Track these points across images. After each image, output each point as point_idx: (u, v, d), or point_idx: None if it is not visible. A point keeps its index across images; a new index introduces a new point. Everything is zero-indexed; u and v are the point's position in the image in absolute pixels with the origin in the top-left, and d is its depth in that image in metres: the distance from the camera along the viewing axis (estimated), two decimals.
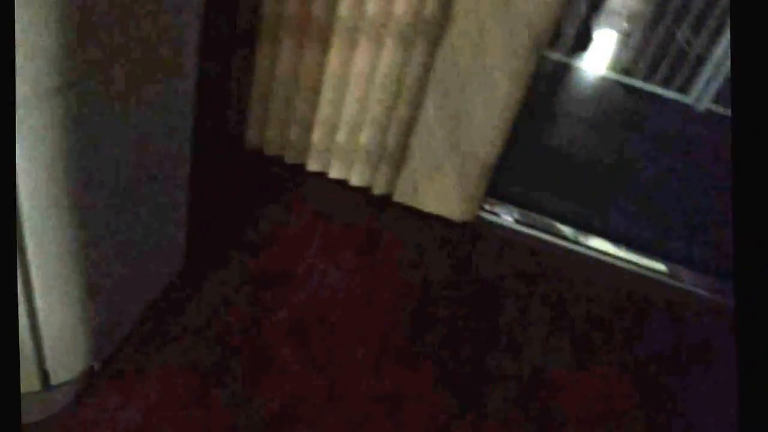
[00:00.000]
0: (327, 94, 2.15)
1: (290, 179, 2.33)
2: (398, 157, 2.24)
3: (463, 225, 2.34)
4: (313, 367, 1.69)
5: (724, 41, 3.72)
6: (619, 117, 3.77)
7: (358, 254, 2.10)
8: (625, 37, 4.51)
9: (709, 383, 2.01)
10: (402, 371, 1.75)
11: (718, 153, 3.49)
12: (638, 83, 4.00)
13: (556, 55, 4.02)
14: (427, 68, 2.02)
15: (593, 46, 4.20)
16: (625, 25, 4.62)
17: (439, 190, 2.27)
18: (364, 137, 2.22)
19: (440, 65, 2.01)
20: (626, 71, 4.09)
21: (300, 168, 2.36)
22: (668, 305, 2.29)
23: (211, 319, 1.72)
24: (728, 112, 3.81)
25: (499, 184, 2.45)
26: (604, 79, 4.06)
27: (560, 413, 1.76)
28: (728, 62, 3.70)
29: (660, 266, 2.43)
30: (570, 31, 4.11)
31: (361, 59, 2.04)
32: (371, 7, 1.92)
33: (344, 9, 1.95)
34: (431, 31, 1.95)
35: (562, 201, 2.70)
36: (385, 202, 2.35)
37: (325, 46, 2.05)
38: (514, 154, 2.79)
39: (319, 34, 2.03)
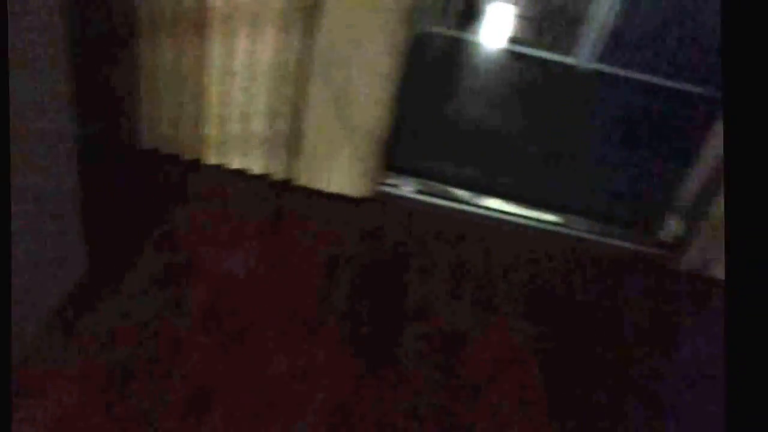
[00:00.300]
0: (214, 86, 2.18)
1: (189, 175, 2.35)
2: (293, 142, 2.29)
3: (365, 200, 2.41)
4: (225, 350, 1.73)
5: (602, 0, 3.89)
6: (510, 85, 3.91)
7: (262, 239, 2.15)
8: (514, 6, 4.66)
9: (606, 325, 2.16)
10: (312, 343, 1.81)
11: (605, 108, 3.69)
12: (527, 50, 4.15)
13: (450, 31, 4.13)
14: (308, 51, 2.08)
15: (486, 19, 4.33)
16: None
17: (337, 169, 2.33)
18: (257, 125, 2.26)
19: (320, 47, 2.07)
20: (517, 40, 4.24)
21: (198, 163, 2.38)
22: (564, 253, 2.43)
23: (122, 316, 1.74)
24: (614, 69, 4.01)
25: (398, 157, 2.53)
26: (496, 49, 4.19)
27: (467, 365, 1.86)
28: (608, 20, 3.89)
29: (554, 218, 2.57)
30: (459, 6, 4.23)
31: (242, 48, 2.08)
32: None
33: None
34: (307, 15, 2.01)
35: (459, 168, 2.81)
36: (286, 186, 2.40)
37: (204, 38, 2.08)
38: (410, 128, 2.89)
39: (196, 26, 2.05)
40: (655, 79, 3.87)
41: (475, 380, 1.82)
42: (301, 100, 2.19)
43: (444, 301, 2.08)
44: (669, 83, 3.83)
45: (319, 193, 2.39)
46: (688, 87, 3.77)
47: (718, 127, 2.37)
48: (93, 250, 1.79)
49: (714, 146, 2.38)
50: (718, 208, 2.29)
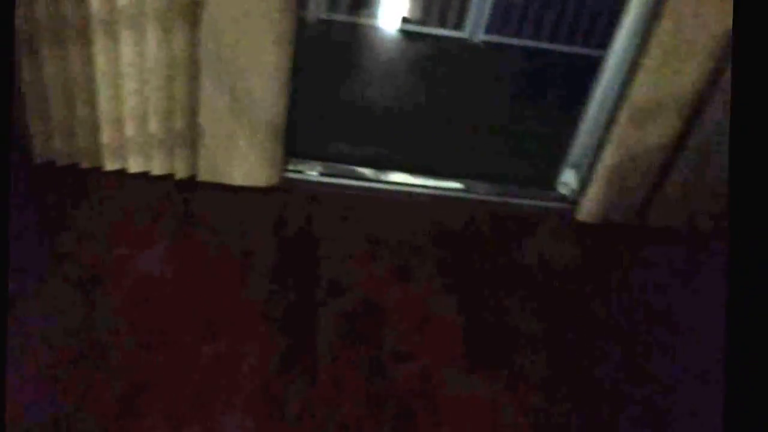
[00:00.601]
0: (103, 91, 2.16)
1: (90, 183, 2.33)
2: (191, 138, 2.31)
3: (271, 189, 2.45)
4: (149, 349, 1.75)
5: None
6: (404, 62, 4.01)
7: (173, 238, 2.16)
8: None
9: (516, 278, 2.28)
10: (233, 332, 1.85)
11: (495, 76, 3.84)
12: (419, 29, 4.26)
13: (343, 17, 4.18)
14: (195, 47, 2.10)
15: (377, 3, 4.39)
16: None
17: (239, 160, 2.36)
18: (153, 126, 2.26)
19: (206, 42, 2.09)
20: (409, 20, 4.33)
21: (98, 170, 2.36)
22: (469, 217, 2.54)
23: (42, 330, 1.73)
24: (500, 39, 4.16)
25: (300, 143, 2.58)
26: (389, 31, 4.27)
27: (386, 329, 1.94)
28: None
29: (457, 184, 2.68)
30: None
31: (127, 50, 2.08)
32: None
33: (95, 4, 1.97)
34: (189, 11, 2.03)
35: (361, 147, 2.88)
36: (191, 184, 2.41)
37: (87, 44, 2.06)
38: (310, 114, 2.93)
39: (78, 34, 2.04)
40: (539, 44, 4.06)
41: (399, 347, 1.90)
42: (194, 96, 2.21)
43: (358, 275, 2.15)
44: (551, 46, 4.02)
45: (225, 187, 2.41)
46: (568, 48, 3.96)
47: (601, 82, 2.51)
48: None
49: (596, 100, 2.52)
50: (608, 158, 2.44)
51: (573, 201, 2.64)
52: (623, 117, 2.33)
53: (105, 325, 1.79)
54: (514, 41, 4.12)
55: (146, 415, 1.57)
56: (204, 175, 2.40)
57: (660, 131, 2.35)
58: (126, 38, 2.05)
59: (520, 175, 2.83)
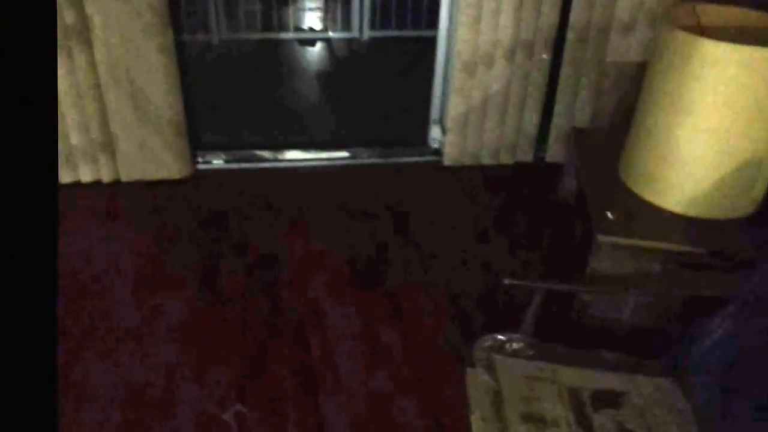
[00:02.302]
0: None
1: None
2: (108, 145, 2.76)
3: (184, 179, 2.91)
4: (81, 307, 2.20)
5: None
6: (302, 64, 4.53)
7: (103, 226, 2.61)
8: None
9: (401, 220, 2.77)
10: (154, 291, 2.31)
11: (379, 64, 4.39)
12: (314, 35, 4.79)
13: (249, 33, 4.68)
14: (93, 66, 2.56)
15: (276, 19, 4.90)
16: None
17: (152, 158, 2.82)
18: (74, 139, 2.71)
19: (102, 58, 2.55)
20: (301, 29, 4.86)
21: None
22: (356, 178, 3.04)
23: None
24: (385, 33, 4.72)
25: (207, 138, 3.06)
26: (286, 39, 4.78)
27: (283, 274, 2.41)
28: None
29: (344, 153, 3.17)
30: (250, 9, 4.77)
31: None
32: None
33: None
34: (82, 36, 2.49)
35: (257, 134, 3.37)
36: (117, 186, 2.86)
37: None
38: (210, 112, 3.41)
39: None
40: (405, 33, 4.71)
41: (293, 282, 2.38)
42: (103, 108, 2.66)
43: (260, 235, 2.62)
44: (414, 33, 4.67)
45: (145, 184, 2.86)
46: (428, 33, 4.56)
47: (439, 49, 3.02)
48: None
49: (439, 62, 3.04)
50: (451, 109, 2.95)
51: (440, 152, 3.14)
52: (456, 69, 2.84)
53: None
54: (389, 33, 4.76)
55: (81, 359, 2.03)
56: (126, 176, 2.84)
57: (489, 78, 2.87)
58: None
59: (396, 139, 3.32)
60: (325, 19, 4.95)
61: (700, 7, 1.95)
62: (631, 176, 2.04)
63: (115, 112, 2.68)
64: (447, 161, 3.08)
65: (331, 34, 4.82)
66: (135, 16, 2.49)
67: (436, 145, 3.20)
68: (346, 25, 4.80)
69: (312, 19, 4.95)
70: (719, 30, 1.90)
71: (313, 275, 2.41)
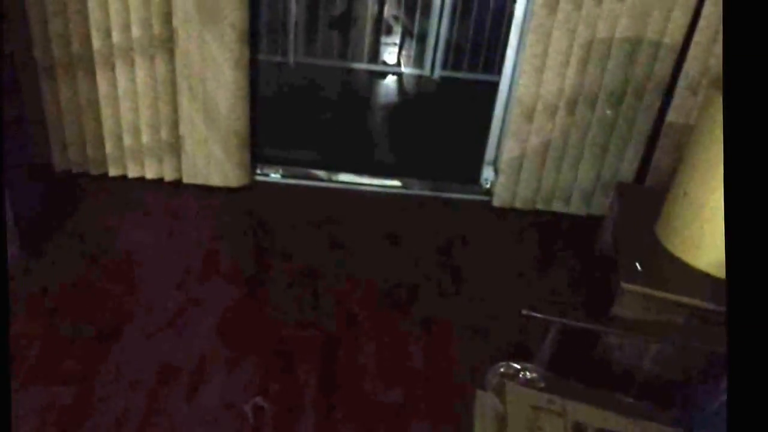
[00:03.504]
0: (106, 111, 2.82)
1: (99, 186, 2.96)
2: (175, 147, 2.94)
3: (242, 188, 3.06)
4: (135, 293, 2.35)
5: (434, 20, 4.73)
6: (367, 95, 4.71)
7: (169, 227, 2.78)
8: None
9: (451, 255, 2.84)
10: (203, 283, 2.44)
11: (445, 102, 4.51)
12: (388, 68, 4.96)
13: (322, 60, 4.89)
14: (173, 73, 2.75)
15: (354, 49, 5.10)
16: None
17: (214, 165, 2.98)
18: (145, 138, 2.90)
19: (180, 68, 2.74)
20: (384, 63, 5.05)
21: (104, 176, 3.00)
22: (405, 208, 3.14)
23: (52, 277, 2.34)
24: (455, 74, 4.85)
25: (266, 151, 3.21)
26: (361, 70, 4.97)
27: (324, 291, 2.51)
28: (445, 36, 4.73)
29: (395, 182, 3.28)
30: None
31: (122, 78, 2.74)
32: (116, 36, 2.64)
33: (97, 41, 2.65)
34: (165, 45, 2.69)
35: (315, 154, 3.51)
36: (177, 186, 3.03)
37: (92, 73, 2.73)
38: (274, 127, 3.57)
39: (85, 65, 2.71)
40: (477, 76, 4.80)
41: (331, 296, 2.48)
42: (175, 112, 2.85)
43: (306, 248, 2.73)
44: (482, 76, 4.77)
45: (206, 188, 3.02)
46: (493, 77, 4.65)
47: (500, 94, 3.11)
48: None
49: (499, 105, 3.13)
50: (506, 152, 3.02)
51: (491, 192, 3.22)
52: (514, 114, 2.93)
53: (97, 273, 2.41)
54: (462, 75, 4.86)
55: (125, 342, 2.16)
56: (188, 178, 3.01)
57: (547, 125, 2.94)
58: (120, 68, 2.72)
59: (450, 174, 3.40)
60: (399, 55, 5.12)
61: None
62: (667, 233, 2.07)
63: (185, 117, 2.85)
64: (496, 202, 3.15)
65: (403, 69, 4.98)
66: (217, 32, 2.67)
67: (487, 185, 3.27)
68: (419, 63, 4.96)
69: (387, 53, 5.13)
70: None
71: (352, 293, 2.49)
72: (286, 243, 2.75)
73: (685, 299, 1.81)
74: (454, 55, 4.87)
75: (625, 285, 1.88)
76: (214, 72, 2.76)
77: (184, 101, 2.82)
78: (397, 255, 2.76)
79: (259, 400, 1.92)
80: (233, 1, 2.63)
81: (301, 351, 2.18)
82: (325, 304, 2.41)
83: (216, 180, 3.02)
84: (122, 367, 2.04)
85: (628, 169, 3.03)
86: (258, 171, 3.17)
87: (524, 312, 1.64)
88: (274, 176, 3.19)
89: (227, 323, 2.26)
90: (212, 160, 2.97)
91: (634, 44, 2.76)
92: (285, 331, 2.26)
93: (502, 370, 1.68)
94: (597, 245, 2.72)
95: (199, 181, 3.02)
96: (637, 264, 1.96)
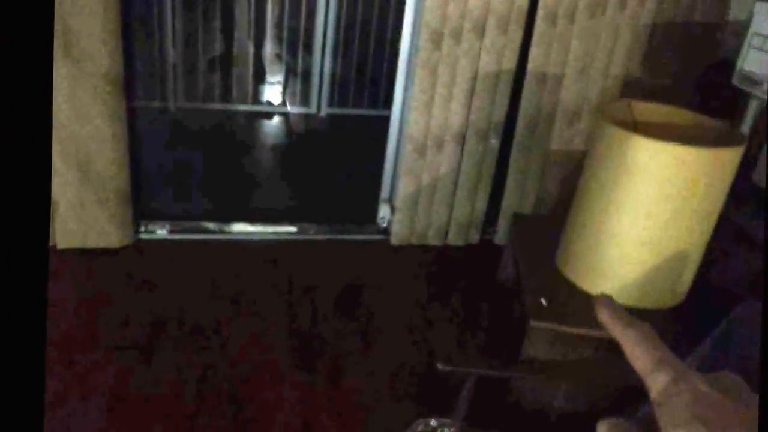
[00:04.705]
0: None
1: None
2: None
3: (125, 248, 2.85)
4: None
5: (317, 57, 4.68)
6: (254, 137, 4.57)
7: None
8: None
9: (349, 301, 2.74)
10: (92, 359, 2.23)
11: (334, 140, 4.45)
12: (273, 108, 4.85)
13: (209, 104, 4.71)
14: None
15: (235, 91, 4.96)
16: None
17: (92, 226, 2.76)
18: None
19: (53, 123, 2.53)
20: (263, 102, 4.92)
21: None
22: (302, 254, 3.02)
23: None
24: (342, 110, 4.81)
25: (150, 206, 3.02)
26: (243, 111, 4.83)
27: (222, 353, 2.36)
28: (329, 73, 4.68)
29: (291, 228, 3.16)
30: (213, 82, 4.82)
31: None
32: None
33: None
34: None
35: (205, 204, 3.34)
36: (52, 252, 2.79)
37: None
38: (159, 180, 3.38)
39: None
40: (365, 111, 4.78)
41: (229, 358, 2.32)
42: None
43: (197, 308, 2.56)
44: (370, 111, 4.76)
45: (84, 251, 2.78)
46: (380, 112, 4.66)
47: (392, 128, 3.08)
48: None
49: (391, 140, 3.09)
50: (403, 190, 2.98)
51: (388, 231, 3.16)
52: (407, 150, 2.89)
53: None
54: (349, 111, 4.83)
55: None
56: (62, 243, 2.78)
57: (439, 160, 2.92)
58: None
59: (345, 216, 3.33)
60: (284, 94, 5.03)
61: (635, 104, 2.03)
62: (567, 264, 2.06)
63: (57, 179, 2.63)
64: (394, 240, 3.09)
65: (289, 108, 4.89)
66: (87, 82, 2.49)
67: (384, 224, 3.21)
68: (305, 101, 4.88)
69: (271, 93, 5.02)
70: (652, 125, 1.97)
71: (251, 353, 2.35)
72: (177, 304, 2.57)
73: (593, 332, 1.79)
74: (340, 92, 4.85)
75: (534, 323, 1.85)
76: (87, 126, 2.57)
77: (57, 159, 2.60)
78: (298, 306, 2.64)
79: None
80: (103, 49, 2.46)
81: (203, 419, 2.02)
82: (223, 367, 2.26)
83: (95, 242, 2.80)
84: None
85: (521, 198, 3.06)
86: (142, 228, 2.97)
87: (440, 366, 1.57)
88: (161, 232, 3.00)
89: (118, 399, 2.07)
90: (90, 221, 2.76)
91: (518, 77, 2.81)
92: (181, 402, 2.08)
93: (420, 428, 1.59)
94: (498, 275, 2.70)
95: (76, 245, 2.79)
96: (543, 299, 1.93)
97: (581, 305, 1.95)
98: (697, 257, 1.89)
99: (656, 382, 0.44)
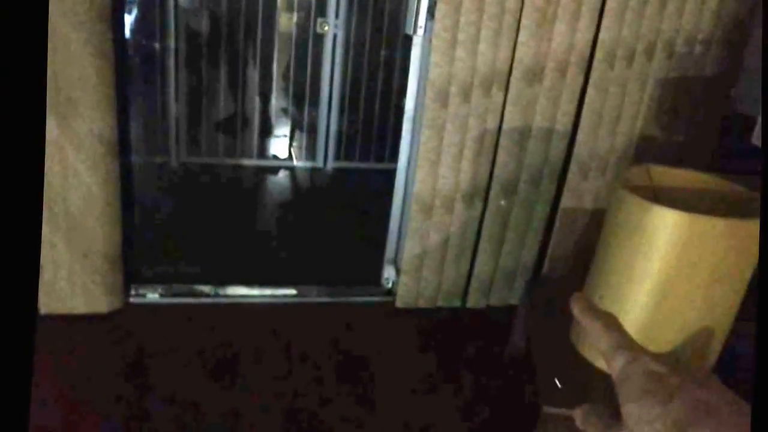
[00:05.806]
0: None
1: None
2: None
3: (114, 313, 2.70)
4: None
5: (323, 111, 4.59)
6: (258, 193, 4.46)
7: None
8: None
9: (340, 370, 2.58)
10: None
11: (341, 195, 4.32)
12: (278, 162, 4.75)
13: (205, 158, 4.61)
14: None
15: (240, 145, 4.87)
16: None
17: (80, 290, 2.62)
18: None
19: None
20: (269, 157, 4.83)
21: None
22: (301, 318, 2.86)
23: None
24: (349, 164, 4.69)
25: (142, 269, 2.88)
26: (248, 166, 4.73)
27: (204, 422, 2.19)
28: (336, 127, 4.59)
29: (290, 291, 3.01)
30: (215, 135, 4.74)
31: None
32: None
33: None
34: None
35: (199, 266, 3.19)
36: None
37: None
38: (152, 240, 3.25)
39: None
40: (372, 165, 4.66)
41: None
42: None
43: (189, 381, 2.40)
44: (379, 165, 4.63)
45: (71, 317, 2.64)
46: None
47: (397, 185, 2.94)
48: None
49: (396, 199, 2.95)
50: (409, 250, 2.82)
51: (393, 292, 2.99)
52: (413, 210, 2.75)
53: None
54: (356, 165, 4.72)
55: None
56: (48, 308, 2.63)
57: (447, 220, 2.77)
58: None
59: (348, 278, 3.17)
60: (290, 147, 4.94)
61: (654, 169, 1.88)
62: (583, 340, 1.89)
63: (44, 242, 2.51)
64: (399, 303, 2.93)
65: (295, 162, 4.79)
66: (79, 144, 2.38)
67: (389, 285, 3.05)
68: (311, 155, 4.78)
69: (277, 147, 4.93)
70: (672, 191, 1.83)
71: (246, 428, 2.18)
72: (168, 376, 2.41)
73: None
74: (346, 145, 4.75)
75: (547, 409, 1.67)
76: (78, 190, 2.45)
77: (43, 226, 2.47)
78: (296, 376, 2.47)
79: None
80: (96, 108, 2.36)
81: None
82: None
83: (82, 307, 2.65)
84: None
85: (526, 257, 2.90)
86: (133, 292, 2.83)
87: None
88: (152, 296, 2.86)
89: None
90: (77, 286, 2.62)
91: (523, 133, 2.68)
92: None
93: None
94: (507, 349, 2.53)
95: (62, 310, 2.64)
96: (557, 380, 1.76)
97: (597, 386, 1.77)
98: (723, 334, 1.72)
99: (615, 364, 0.52)
